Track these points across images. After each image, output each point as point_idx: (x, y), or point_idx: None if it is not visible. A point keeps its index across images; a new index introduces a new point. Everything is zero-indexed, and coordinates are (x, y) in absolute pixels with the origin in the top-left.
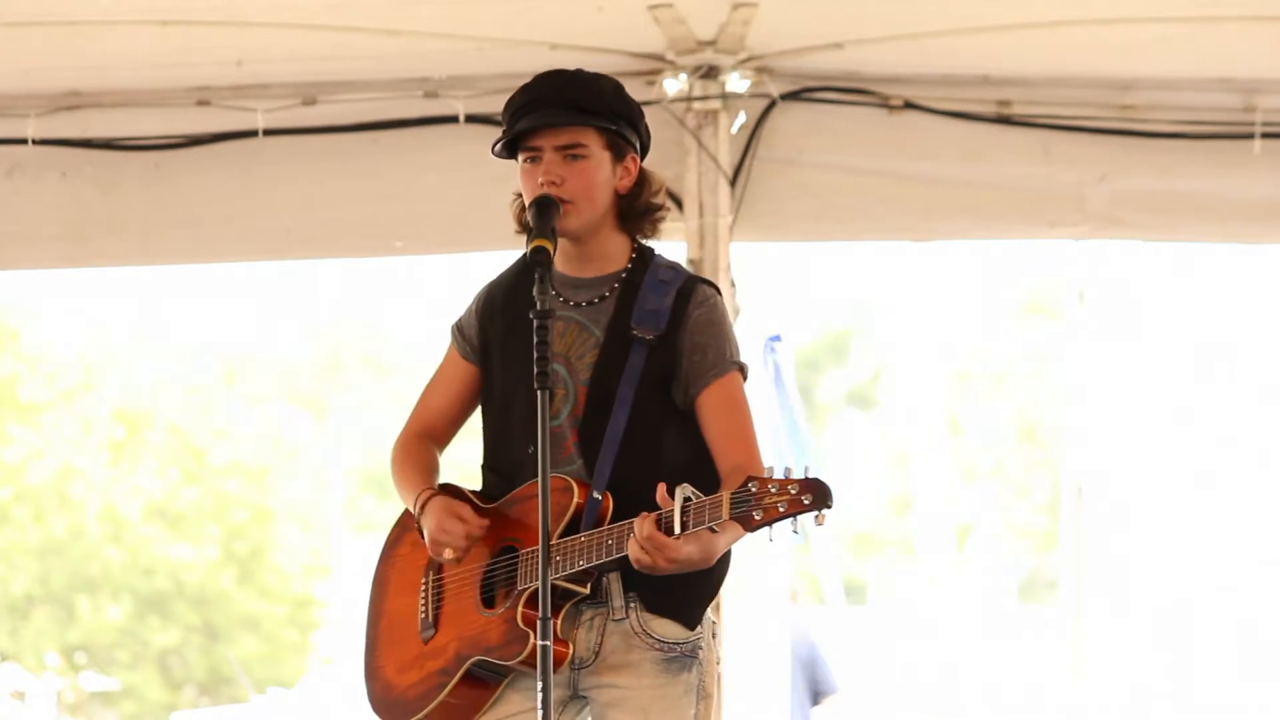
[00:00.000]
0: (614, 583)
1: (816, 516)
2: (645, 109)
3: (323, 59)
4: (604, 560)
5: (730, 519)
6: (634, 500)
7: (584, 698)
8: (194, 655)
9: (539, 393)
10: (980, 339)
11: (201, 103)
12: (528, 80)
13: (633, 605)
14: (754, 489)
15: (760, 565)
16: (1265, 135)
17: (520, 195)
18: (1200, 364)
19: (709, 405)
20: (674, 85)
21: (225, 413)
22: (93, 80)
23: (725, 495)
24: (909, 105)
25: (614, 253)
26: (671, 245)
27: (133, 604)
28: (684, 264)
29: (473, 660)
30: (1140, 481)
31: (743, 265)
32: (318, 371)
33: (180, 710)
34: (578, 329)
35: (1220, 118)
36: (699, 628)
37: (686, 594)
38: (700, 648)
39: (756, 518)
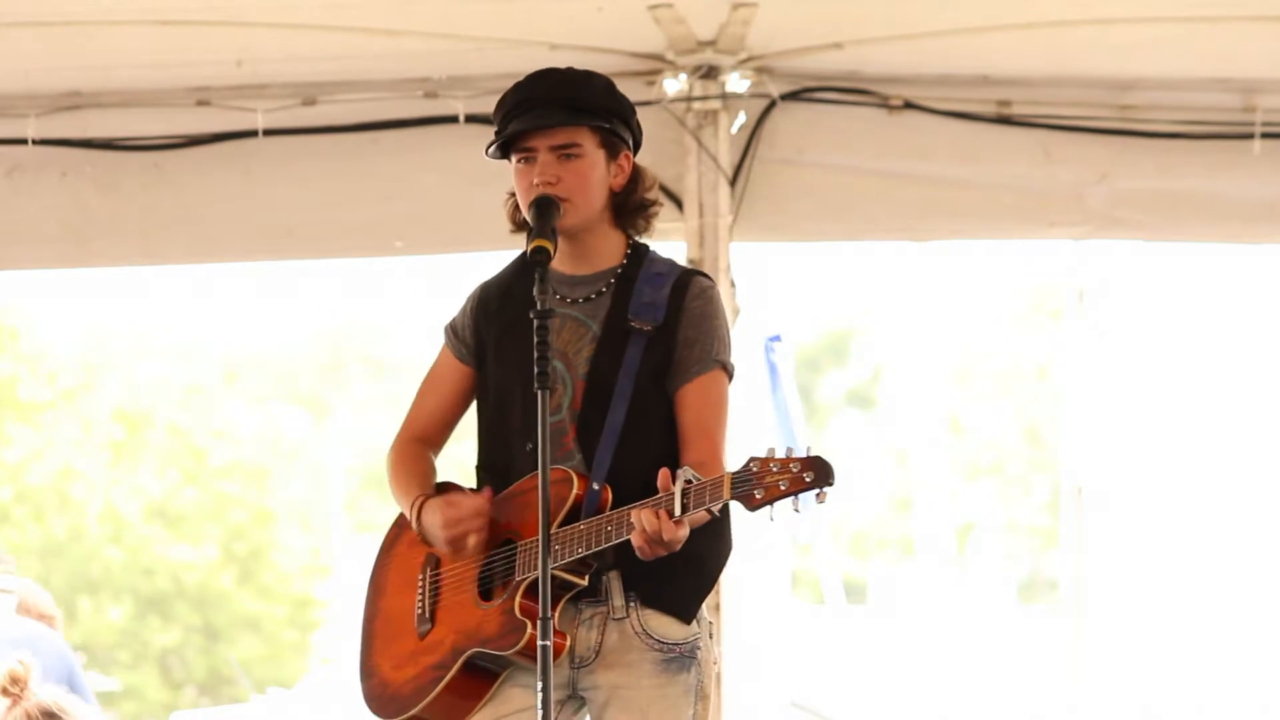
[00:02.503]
0: (614, 581)
1: (818, 494)
2: (645, 109)
3: (323, 59)
4: (603, 547)
5: (732, 498)
6: (634, 491)
7: (582, 698)
8: (194, 655)
9: (539, 392)
10: (980, 339)
11: (201, 103)
12: (520, 79)
13: (633, 604)
14: (755, 468)
15: (759, 563)
16: (1265, 135)
17: (513, 194)
18: (1200, 364)
19: (687, 399)
20: (674, 85)
21: (225, 413)
22: (93, 80)
23: (726, 476)
24: (909, 105)
25: (609, 250)
26: (671, 245)
27: (133, 604)
28: (684, 264)
29: (470, 652)
30: (1141, 481)
31: (743, 265)
32: (318, 371)
33: (180, 710)
34: (575, 325)
35: (1220, 118)
36: (696, 625)
37: (683, 587)
38: (699, 648)
39: (758, 496)
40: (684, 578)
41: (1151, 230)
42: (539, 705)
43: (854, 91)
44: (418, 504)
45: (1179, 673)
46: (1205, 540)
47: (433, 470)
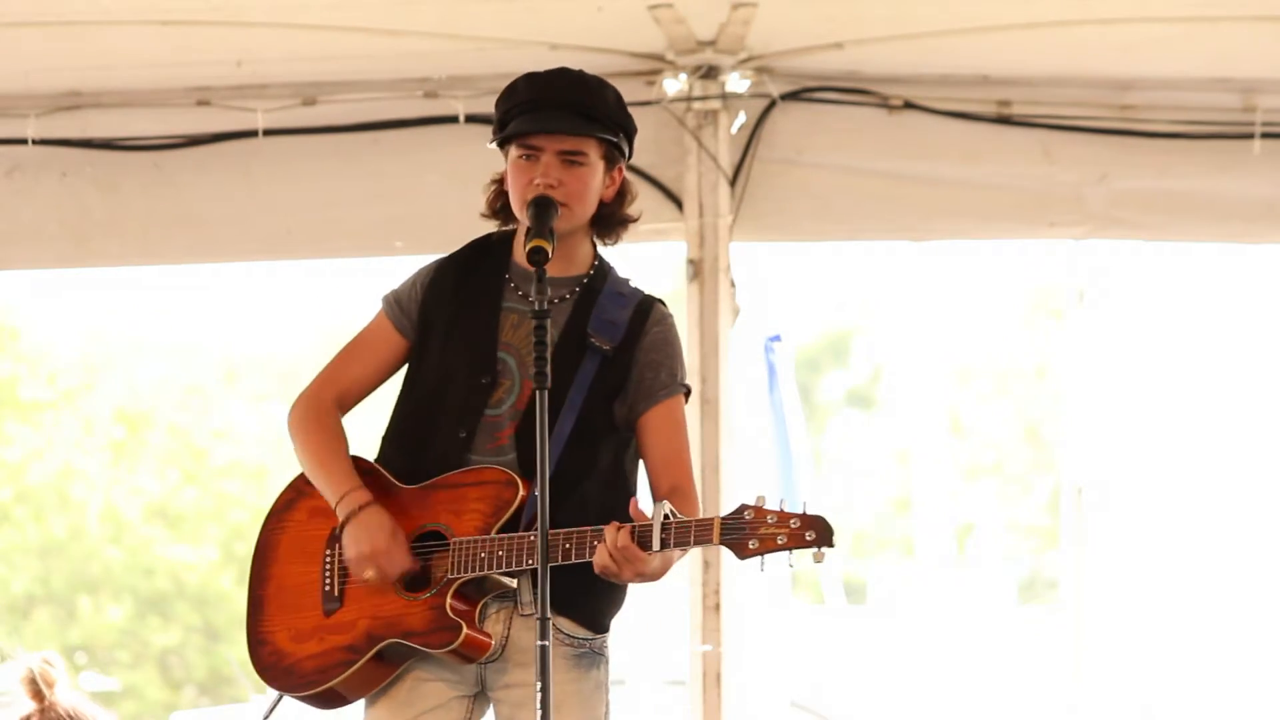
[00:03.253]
0: (523, 578)
1: (815, 554)
2: (645, 109)
3: (323, 59)
4: (558, 562)
5: (721, 543)
6: (569, 503)
7: (488, 697)
8: (194, 655)
9: (538, 393)
10: (980, 339)
11: (201, 103)
12: (533, 72)
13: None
14: (749, 517)
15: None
16: (1265, 135)
17: (498, 181)
18: (1200, 364)
19: (654, 424)
20: (674, 85)
21: (225, 413)
22: (93, 80)
23: (716, 520)
24: (909, 105)
25: (580, 257)
26: (671, 245)
27: (133, 604)
28: (684, 264)
29: (388, 642)
30: (1141, 481)
31: (743, 265)
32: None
33: (180, 710)
34: (531, 324)
35: (1220, 118)
36: (606, 633)
37: (599, 601)
38: (606, 646)
39: (751, 546)
40: (598, 588)
41: (1151, 230)
42: (538, 705)
43: (854, 91)
44: (361, 503)
45: (1179, 672)
46: (1206, 540)
47: (347, 446)
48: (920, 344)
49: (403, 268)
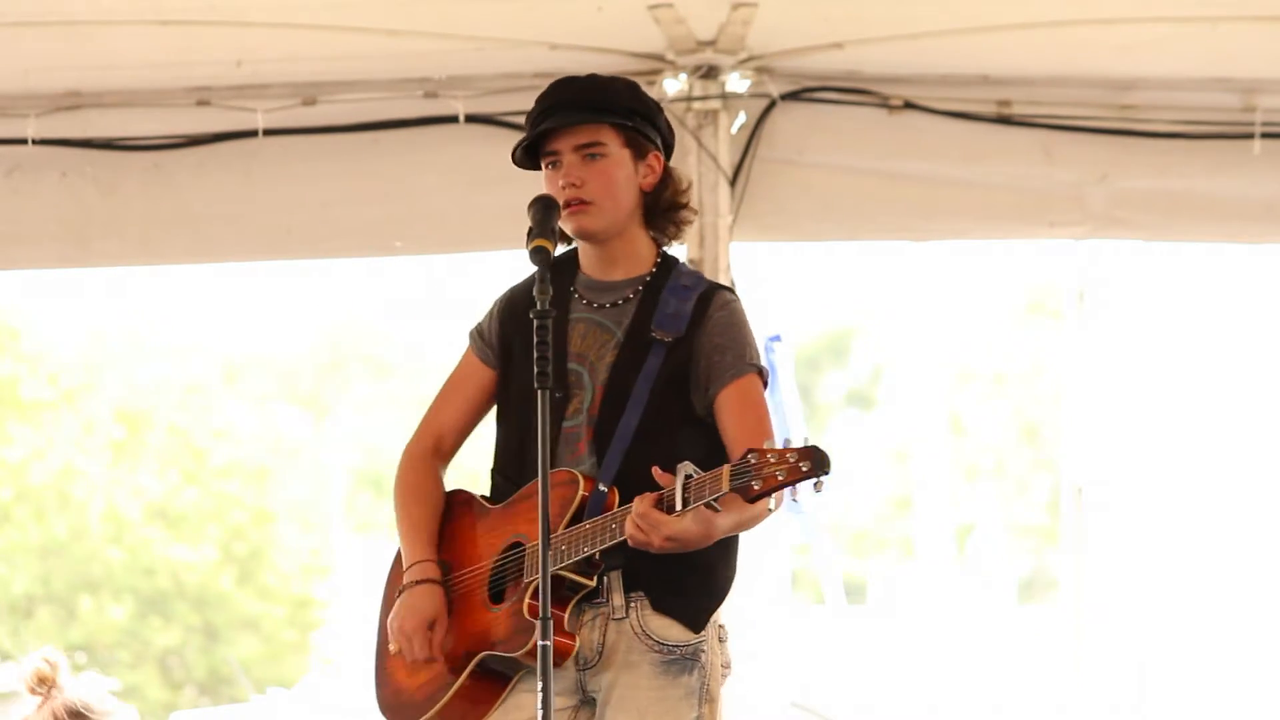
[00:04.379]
0: (614, 581)
1: (816, 484)
2: None
3: (323, 59)
4: (608, 545)
5: (730, 490)
6: (637, 495)
7: (594, 699)
8: (194, 655)
9: (539, 392)
10: (980, 339)
11: (201, 103)
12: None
13: (634, 604)
14: (753, 460)
15: (759, 564)
16: (1265, 135)
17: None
18: (1200, 364)
19: (727, 404)
20: (674, 85)
21: (225, 413)
22: (93, 80)
23: (725, 468)
24: (909, 105)
25: (639, 256)
26: (671, 245)
27: (133, 604)
28: (684, 264)
29: (480, 656)
30: (1141, 481)
31: (743, 265)
32: (318, 371)
33: (180, 710)
34: (599, 330)
35: (1220, 118)
36: (704, 631)
37: (693, 595)
38: (703, 651)
39: (756, 487)
40: (691, 587)
41: (1151, 230)
42: (539, 705)
43: (854, 91)
44: (418, 580)
45: (1179, 672)
46: (1205, 540)
47: (442, 498)
48: (920, 344)
49: (403, 267)
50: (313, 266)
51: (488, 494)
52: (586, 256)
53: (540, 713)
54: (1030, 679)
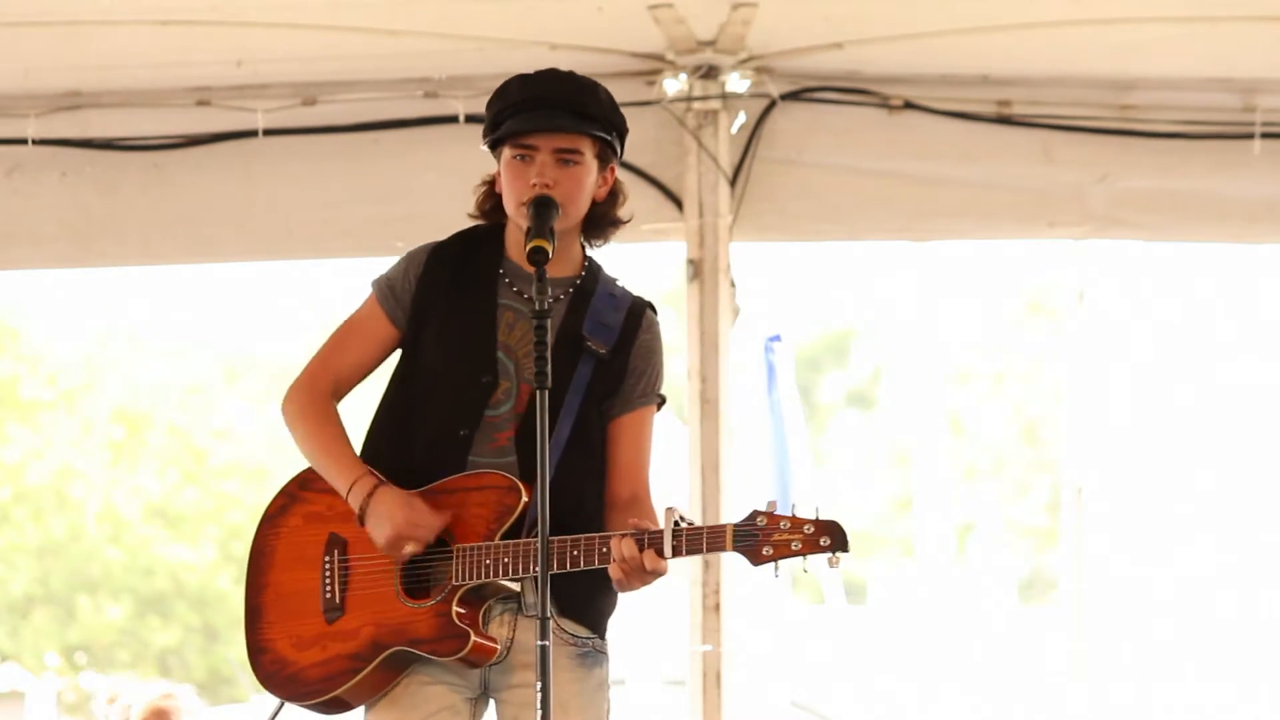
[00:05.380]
0: (526, 581)
1: (831, 559)
2: (645, 109)
3: (323, 59)
4: (565, 570)
5: (734, 550)
6: (567, 508)
7: (490, 698)
8: (193, 655)
9: (538, 393)
10: (980, 339)
11: (201, 103)
12: (523, 73)
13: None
14: (762, 524)
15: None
16: (1265, 135)
17: (489, 183)
18: (1200, 364)
19: (625, 430)
20: (674, 85)
21: (225, 413)
22: (93, 80)
23: (729, 527)
24: (909, 105)
25: (570, 257)
26: (671, 245)
27: (132, 604)
28: (684, 264)
29: (394, 649)
30: (1140, 481)
31: (743, 265)
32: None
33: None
34: (527, 325)
35: (1220, 118)
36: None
37: (600, 604)
38: (607, 644)
39: (766, 553)
40: (599, 596)
41: (1151, 230)
42: (538, 705)
43: (854, 91)
44: (371, 488)
45: (1178, 672)
46: (1205, 540)
47: (347, 434)
48: (920, 344)
49: None
50: (313, 266)
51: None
52: (516, 245)
53: (540, 712)
54: (1030, 679)
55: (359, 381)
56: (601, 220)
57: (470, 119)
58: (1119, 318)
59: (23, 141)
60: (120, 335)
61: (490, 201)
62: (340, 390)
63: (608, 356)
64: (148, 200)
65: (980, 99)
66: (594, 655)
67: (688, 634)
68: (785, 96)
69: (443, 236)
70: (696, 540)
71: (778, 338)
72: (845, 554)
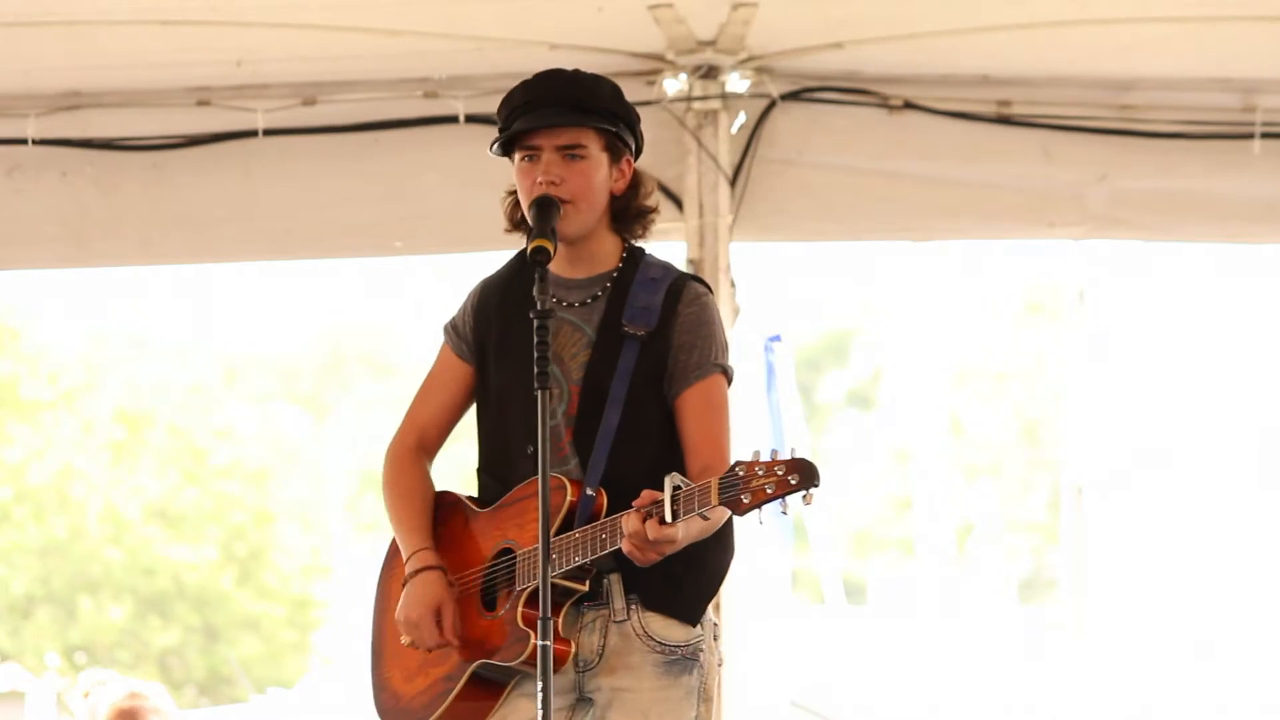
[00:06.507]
0: (615, 584)
1: (804, 496)
2: (645, 109)
3: (323, 59)
4: (599, 555)
5: (720, 503)
6: (629, 495)
7: (590, 699)
8: (194, 655)
9: (539, 393)
10: (980, 339)
11: (201, 103)
12: (526, 78)
13: (634, 606)
14: (741, 473)
15: (759, 559)
16: (1265, 135)
17: (513, 193)
18: (1200, 363)
19: (688, 405)
20: (674, 85)
21: (225, 413)
22: (93, 80)
23: (713, 481)
24: (909, 105)
25: (605, 254)
26: (671, 245)
27: (133, 604)
28: (684, 264)
29: (476, 664)
30: (1140, 481)
31: (743, 265)
32: (318, 371)
33: (180, 710)
34: (570, 329)
35: (1220, 118)
36: (699, 627)
37: (686, 591)
38: (701, 650)
39: (745, 501)
40: (686, 581)
41: (1151, 230)
42: (539, 705)
43: (854, 91)
44: (417, 565)
45: (1179, 671)
46: (1205, 539)
47: (432, 492)
48: (920, 344)
49: (402, 267)
50: (313, 266)
51: (474, 494)
52: (556, 253)
53: (540, 713)
54: (1030, 679)
55: (450, 426)
56: (627, 212)
57: (470, 119)
58: (1119, 318)
59: (23, 141)
60: (120, 335)
61: (519, 212)
62: (429, 439)
63: (648, 338)
64: (147, 200)
65: (980, 99)
66: (683, 662)
67: None
68: (785, 96)
69: (442, 236)
70: (690, 501)
71: (778, 338)
72: (816, 489)
